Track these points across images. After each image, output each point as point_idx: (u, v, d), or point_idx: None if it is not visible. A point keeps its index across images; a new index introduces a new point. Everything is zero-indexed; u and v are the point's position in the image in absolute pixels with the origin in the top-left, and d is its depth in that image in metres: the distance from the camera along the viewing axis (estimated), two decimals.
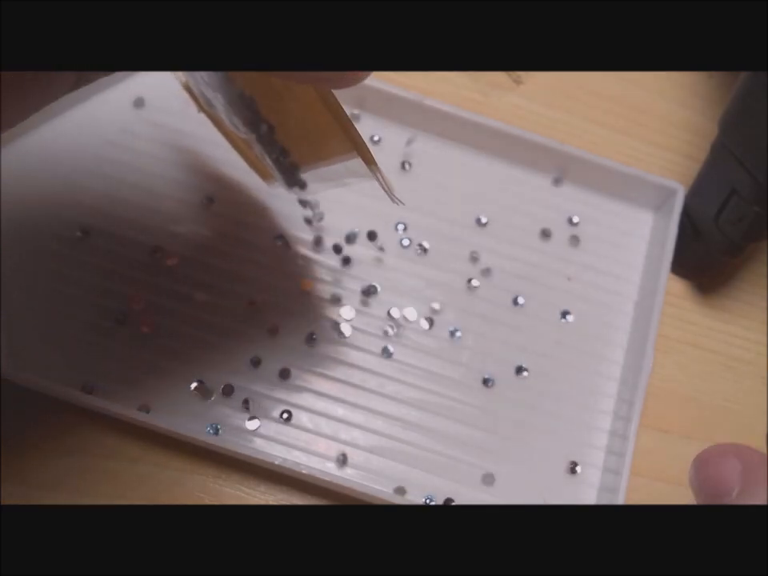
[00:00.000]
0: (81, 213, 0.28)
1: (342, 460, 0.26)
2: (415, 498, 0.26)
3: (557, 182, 0.32)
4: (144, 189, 0.29)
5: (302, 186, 0.24)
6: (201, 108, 0.25)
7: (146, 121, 0.30)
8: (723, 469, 0.19)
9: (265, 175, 0.27)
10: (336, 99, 0.18)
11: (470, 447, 0.27)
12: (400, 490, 0.26)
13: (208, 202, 0.29)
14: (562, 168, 0.31)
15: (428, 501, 0.26)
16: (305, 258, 0.29)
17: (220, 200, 0.29)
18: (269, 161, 0.23)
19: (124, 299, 0.27)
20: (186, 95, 0.25)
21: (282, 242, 0.29)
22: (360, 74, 0.16)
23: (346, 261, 0.29)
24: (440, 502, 0.26)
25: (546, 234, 0.31)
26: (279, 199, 0.30)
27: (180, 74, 0.24)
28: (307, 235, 0.30)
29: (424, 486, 0.26)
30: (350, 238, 0.30)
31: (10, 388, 0.25)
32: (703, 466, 0.19)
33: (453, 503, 0.26)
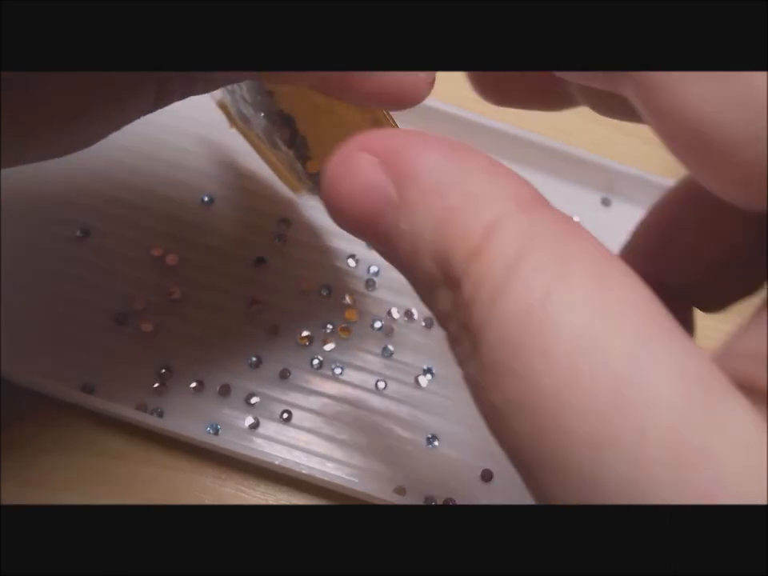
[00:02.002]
0: (81, 213, 0.28)
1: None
2: (415, 498, 0.26)
3: (557, 181, 0.32)
4: (144, 189, 0.29)
5: None
6: (234, 124, 0.25)
7: (145, 121, 0.30)
8: (350, 174, 0.12)
9: (295, 187, 0.27)
10: (392, 118, 0.18)
11: (470, 447, 0.27)
12: (400, 490, 0.26)
13: (208, 202, 0.29)
14: (562, 168, 0.31)
15: (428, 501, 0.26)
16: (305, 258, 0.29)
17: (220, 200, 0.29)
18: (305, 175, 0.24)
19: (124, 299, 0.27)
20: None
21: (281, 241, 0.29)
22: (423, 92, 0.15)
23: (347, 261, 0.29)
24: (440, 502, 0.26)
25: None
26: (279, 199, 0.30)
27: (216, 92, 0.25)
28: (308, 235, 0.30)
29: (424, 486, 0.26)
30: (351, 239, 0.30)
31: (10, 388, 0.25)
32: (330, 182, 0.13)
33: (453, 503, 0.26)
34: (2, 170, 0.27)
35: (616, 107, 0.14)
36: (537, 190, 0.12)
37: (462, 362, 0.12)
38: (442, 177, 0.12)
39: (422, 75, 0.15)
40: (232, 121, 0.25)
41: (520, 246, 0.11)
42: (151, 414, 0.26)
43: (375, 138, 0.13)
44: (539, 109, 0.17)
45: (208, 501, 0.26)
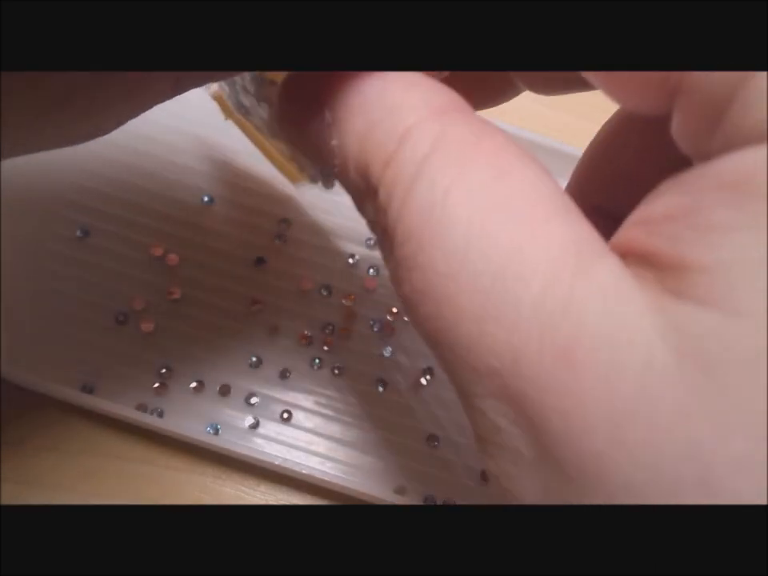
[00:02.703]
0: (81, 213, 0.28)
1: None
2: (415, 498, 0.26)
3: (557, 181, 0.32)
4: (144, 189, 0.29)
5: (329, 183, 0.25)
6: (229, 116, 0.25)
7: (146, 121, 0.30)
8: (295, 102, 0.14)
9: (295, 177, 0.27)
10: None
11: (470, 447, 0.27)
12: (400, 490, 0.26)
13: (208, 202, 0.29)
14: (562, 168, 0.31)
15: (428, 501, 0.26)
16: (305, 258, 0.29)
17: (220, 200, 0.29)
18: (308, 163, 0.24)
19: (124, 299, 0.27)
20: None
21: (281, 241, 0.29)
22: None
23: (347, 261, 0.29)
24: (440, 502, 0.26)
25: None
26: (279, 199, 0.30)
27: (213, 83, 0.25)
28: (308, 235, 0.30)
29: (424, 486, 0.26)
30: (351, 239, 0.30)
31: (10, 388, 0.25)
32: (279, 111, 0.15)
33: (453, 503, 0.26)
34: (2, 171, 0.27)
35: (554, 84, 0.16)
36: (456, 97, 0.13)
37: (387, 266, 0.13)
38: (365, 94, 0.13)
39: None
40: (227, 112, 0.25)
41: (427, 149, 0.12)
42: (151, 414, 0.26)
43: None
44: (483, 107, 0.18)
45: (208, 501, 0.26)
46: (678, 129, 0.12)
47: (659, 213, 0.11)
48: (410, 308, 0.12)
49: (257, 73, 0.21)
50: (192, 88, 0.17)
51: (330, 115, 0.13)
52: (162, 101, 0.17)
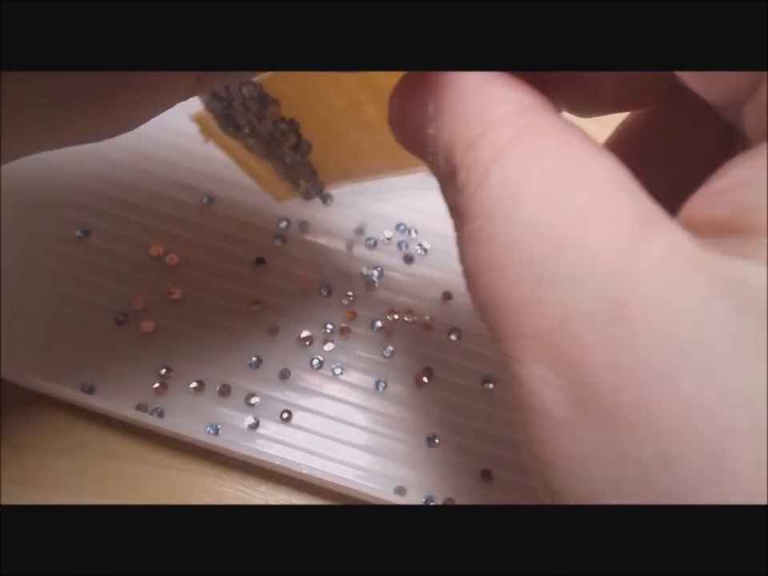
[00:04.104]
0: (81, 213, 0.28)
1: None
2: (415, 498, 0.26)
3: None
4: (144, 189, 0.29)
5: (326, 198, 0.26)
6: (210, 137, 0.25)
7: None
8: (406, 98, 0.16)
9: (281, 195, 0.27)
10: None
11: (470, 447, 0.27)
12: (400, 490, 0.26)
13: (208, 202, 0.29)
14: None
15: (428, 501, 0.26)
16: (305, 258, 0.29)
17: (220, 200, 0.29)
18: (309, 176, 0.24)
19: (124, 299, 0.27)
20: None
21: (281, 241, 0.29)
22: None
23: (347, 261, 0.29)
24: (440, 502, 0.26)
25: None
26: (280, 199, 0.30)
27: (197, 104, 0.25)
28: (308, 235, 0.30)
29: (424, 486, 0.26)
30: (352, 239, 0.30)
31: (10, 388, 0.25)
32: (392, 109, 0.16)
33: (453, 503, 0.26)
34: (2, 171, 0.27)
35: (592, 106, 0.16)
36: (544, 99, 0.13)
37: (457, 245, 0.13)
38: (464, 90, 0.13)
39: None
40: (208, 133, 0.25)
41: (509, 137, 0.12)
42: (151, 414, 0.26)
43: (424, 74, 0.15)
44: None
45: (208, 501, 0.26)
46: (753, 106, 0.12)
47: (724, 185, 0.11)
48: (471, 280, 0.13)
49: (260, 89, 0.22)
50: (213, 86, 0.18)
51: (433, 107, 0.14)
52: (185, 98, 0.17)
